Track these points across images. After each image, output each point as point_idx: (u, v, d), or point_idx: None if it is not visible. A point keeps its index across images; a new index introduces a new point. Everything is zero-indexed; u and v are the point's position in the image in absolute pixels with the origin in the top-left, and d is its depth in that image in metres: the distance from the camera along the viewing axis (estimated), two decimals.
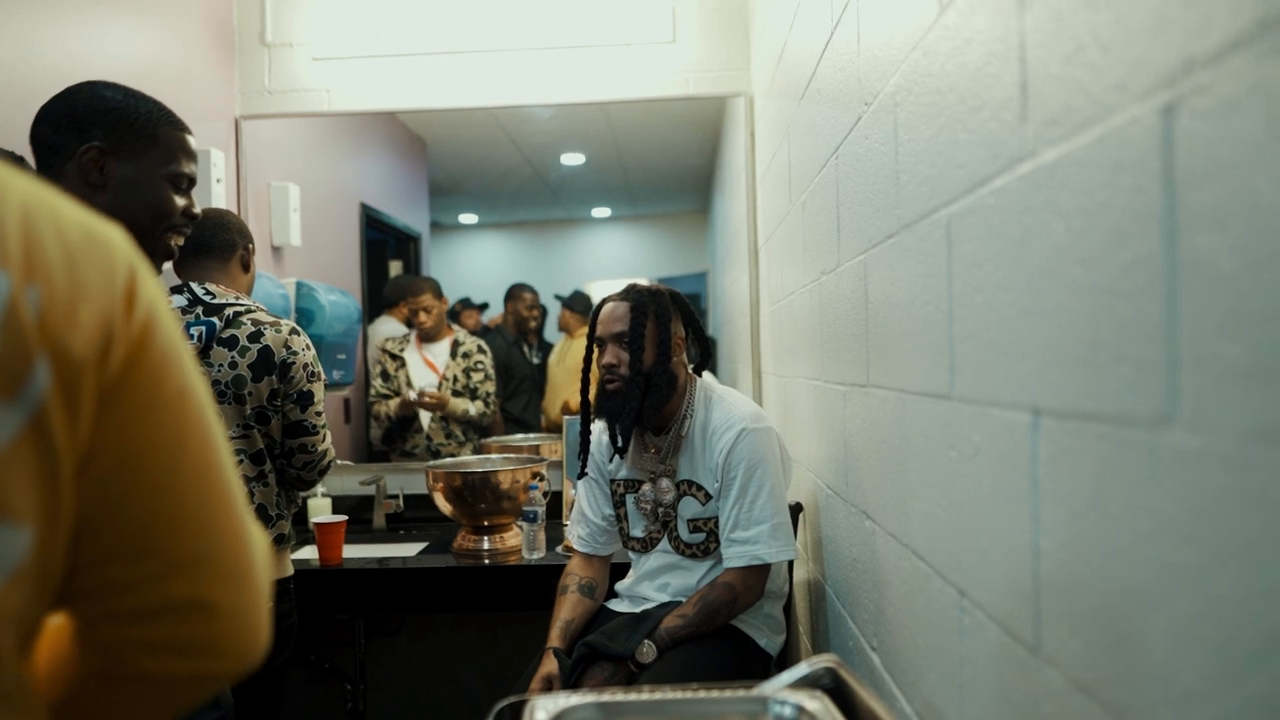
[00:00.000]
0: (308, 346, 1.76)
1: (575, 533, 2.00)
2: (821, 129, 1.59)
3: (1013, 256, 0.74)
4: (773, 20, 2.24)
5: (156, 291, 0.59)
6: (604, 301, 1.89)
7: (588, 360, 1.96)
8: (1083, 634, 0.65)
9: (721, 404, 1.85)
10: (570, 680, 1.69)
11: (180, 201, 1.34)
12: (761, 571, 1.77)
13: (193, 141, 1.38)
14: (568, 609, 1.87)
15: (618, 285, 1.93)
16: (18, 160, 1.43)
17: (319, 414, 1.78)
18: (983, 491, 0.84)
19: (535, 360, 3.80)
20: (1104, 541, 0.61)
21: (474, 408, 3.23)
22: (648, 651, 1.70)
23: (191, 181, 1.37)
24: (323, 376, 1.80)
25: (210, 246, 1.76)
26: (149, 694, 0.60)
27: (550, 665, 1.74)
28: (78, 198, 1.27)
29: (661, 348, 1.81)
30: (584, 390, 1.96)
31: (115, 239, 0.57)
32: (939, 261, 0.94)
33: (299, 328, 1.76)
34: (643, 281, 1.90)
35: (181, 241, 1.36)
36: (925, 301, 0.99)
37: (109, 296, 0.54)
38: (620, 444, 1.85)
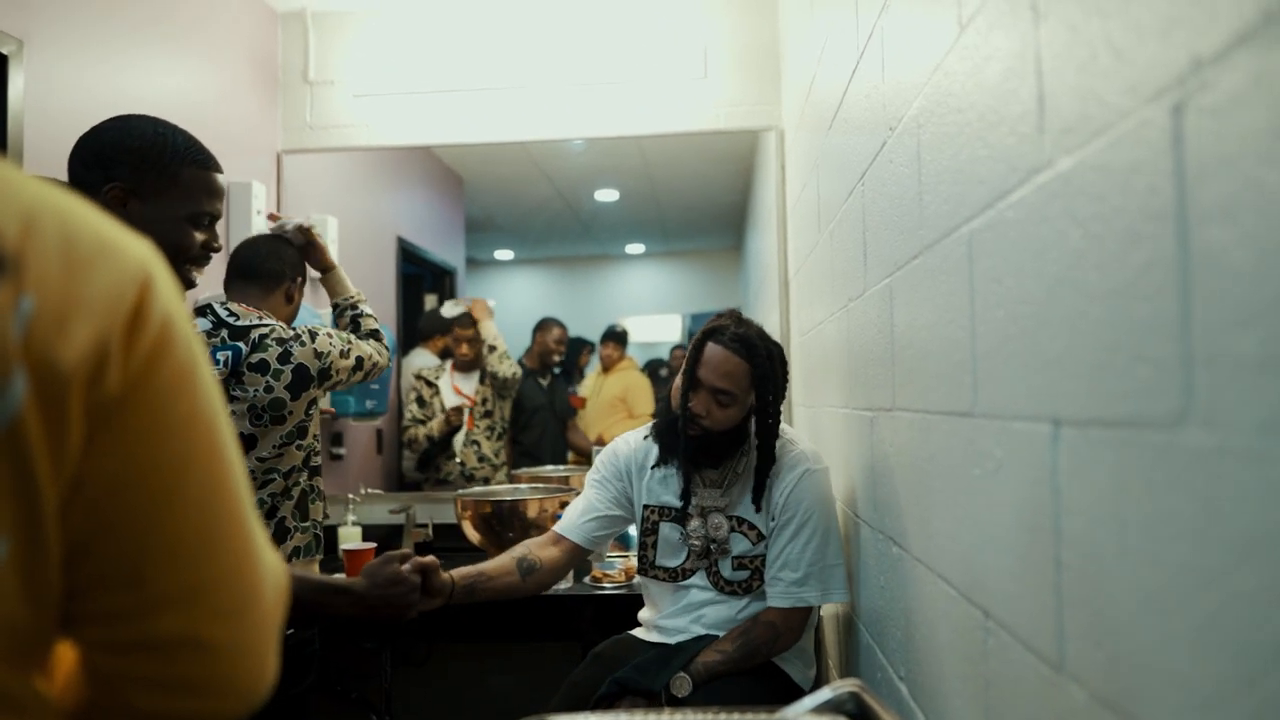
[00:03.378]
0: (329, 334, 1.80)
1: (564, 519, 1.88)
2: (848, 157, 1.60)
3: (1031, 268, 0.74)
4: (802, 54, 2.27)
5: (175, 309, 0.56)
6: (715, 340, 1.70)
7: (688, 386, 1.72)
8: (1106, 647, 0.64)
9: (781, 441, 1.78)
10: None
11: (200, 237, 1.36)
12: (805, 613, 1.73)
13: (220, 179, 1.40)
14: (492, 564, 1.73)
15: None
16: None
17: (360, 360, 1.85)
18: (1005, 508, 0.83)
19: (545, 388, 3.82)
20: (1124, 549, 0.60)
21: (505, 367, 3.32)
22: (683, 685, 1.64)
23: (214, 218, 1.39)
24: (353, 341, 1.86)
25: (258, 273, 1.80)
26: None
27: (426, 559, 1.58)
28: None
29: (760, 417, 1.72)
30: (683, 409, 1.73)
31: (133, 252, 0.55)
32: (961, 279, 0.93)
33: (313, 327, 1.79)
34: (756, 324, 1.76)
35: (200, 273, 1.40)
36: (949, 320, 0.99)
37: (110, 312, 0.52)
38: (680, 476, 1.78)
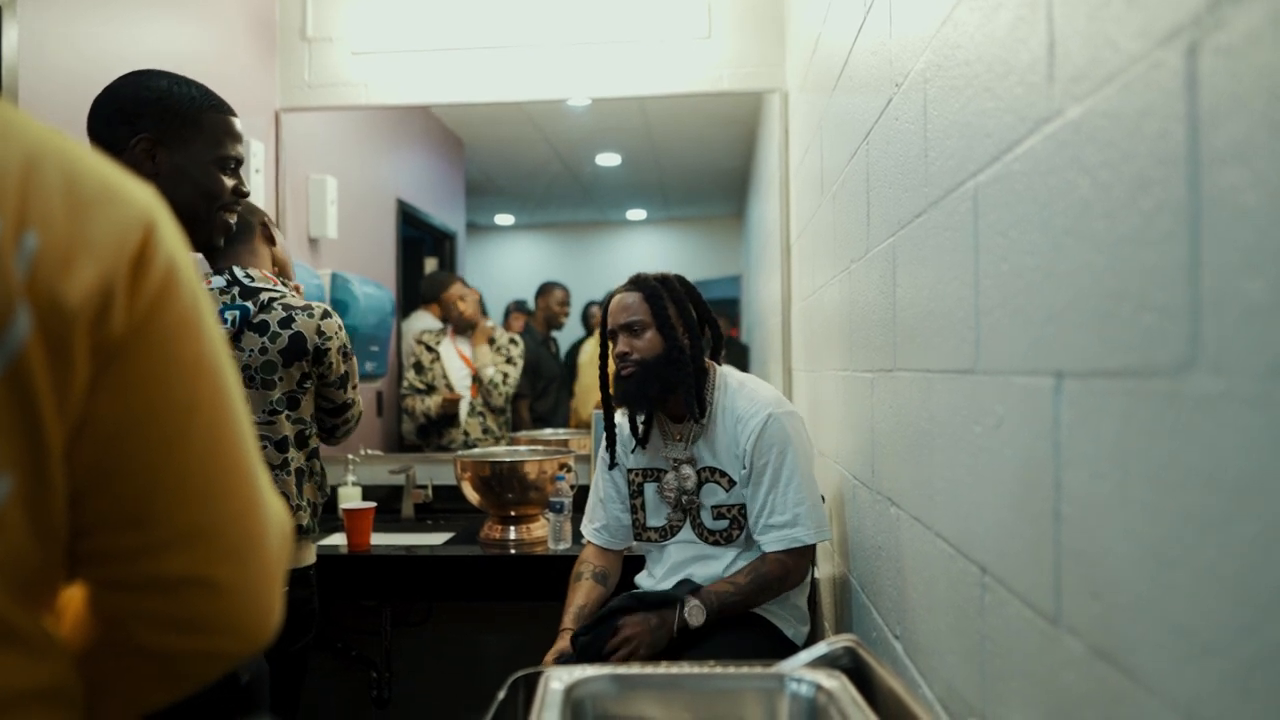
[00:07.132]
0: (340, 328, 1.77)
1: (591, 526, 2.00)
2: (853, 116, 1.58)
3: (1038, 220, 0.73)
4: (807, 13, 2.24)
5: (180, 255, 0.56)
6: (612, 294, 1.89)
7: (604, 355, 1.95)
8: (1104, 598, 0.64)
9: (743, 390, 1.84)
10: (606, 632, 1.67)
11: (229, 182, 1.38)
12: (805, 553, 1.77)
13: (238, 123, 1.41)
14: (582, 595, 1.87)
15: None
16: None
17: (355, 387, 1.84)
18: (1005, 463, 0.83)
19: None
20: (1126, 500, 0.60)
21: (493, 372, 3.27)
22: (697, 613, 1.67)
23: (239, 162, 1.41)
24: (354, 370, 1.84)
25: (231, 236, 1.78)
26: (153, 668, 0.59)
27: (563, 644, 1.75)
28: None
29: (692, 332, 1.83)
30: (603, 385, 1.96)
31: (137, 197, 0.55)
32: (966, 234, 0.93)
33: (330, 310, 1.77)
34: (648, 270, 1.90)
35: (234, 218, 1.41)
36: (952, 277, 0.98)
37: (115, 254, 0.52)
38: (642, 431, 1.86)
